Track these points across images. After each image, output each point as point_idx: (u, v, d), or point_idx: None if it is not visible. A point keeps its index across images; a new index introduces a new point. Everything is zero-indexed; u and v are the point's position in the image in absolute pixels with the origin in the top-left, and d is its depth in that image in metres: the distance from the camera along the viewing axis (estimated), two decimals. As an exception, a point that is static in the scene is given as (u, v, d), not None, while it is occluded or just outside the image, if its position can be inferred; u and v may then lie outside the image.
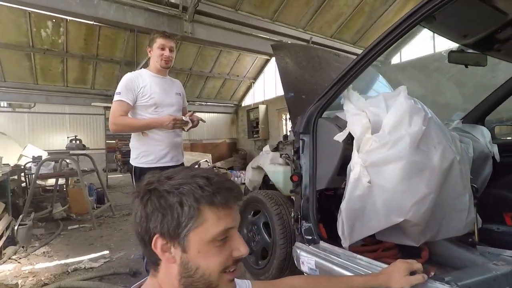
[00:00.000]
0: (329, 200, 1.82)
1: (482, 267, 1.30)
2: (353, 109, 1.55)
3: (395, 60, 8.95)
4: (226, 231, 0.60)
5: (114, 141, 10.62)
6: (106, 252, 3.10)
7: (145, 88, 2.00)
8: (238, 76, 11.80)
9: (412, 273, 1.02)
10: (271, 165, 2.08)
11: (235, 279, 0.84)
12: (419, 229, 1.46)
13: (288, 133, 2.07)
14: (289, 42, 7.03)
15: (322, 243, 1.55)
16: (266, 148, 2.28)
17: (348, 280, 1.02)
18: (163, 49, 2.01)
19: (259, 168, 2.26)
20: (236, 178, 7.91)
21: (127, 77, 2.02)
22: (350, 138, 1.53)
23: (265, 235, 2.02)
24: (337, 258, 1.39)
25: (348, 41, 8.59)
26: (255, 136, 11.68)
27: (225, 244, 0.61)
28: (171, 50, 2.03)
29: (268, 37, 7.04)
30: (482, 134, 2.15)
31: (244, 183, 2.70)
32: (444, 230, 1.56)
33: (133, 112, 2.02)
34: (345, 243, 1.50)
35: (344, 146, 1.56)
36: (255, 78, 12.24)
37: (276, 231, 1.88)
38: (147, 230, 0.60)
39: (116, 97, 1.97)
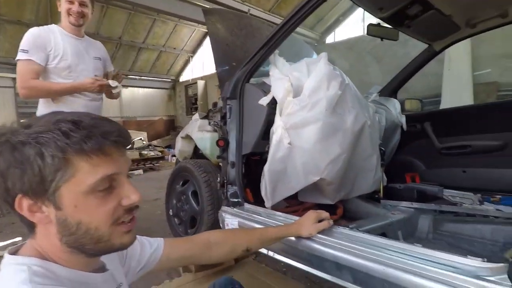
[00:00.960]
0: (256, 165, 1.85)
1: (381, 216, 1.47)
2: (278, 73, 1.57)
3: (329, 39, 9.49)
4: (107, 179, 0.52)
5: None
6: (19, 238, 2.76)
7: (57, 47, 1.73)
8: (175, 48, 11.13)
9: (321, 221, 1.10)
10: (199, 132, 2.03)
11: (140, 237, 0.79)
12: (334, 187, 1.58)
13: (218, 100, 2.03)
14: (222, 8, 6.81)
15: (247, 205, 1.58)
16: (196, 116, 2.21)
17: (263, 231, 1.05)
18: (71, 2, 1.73)
19: (188, 137, 2.19)
20: (174, 157, 7.66)
21: (35, 32, 1.71)
22: (274, 103, 1.55)
23: (194, 203, 1.99)
24: (258, 216, 1.44)
25: (285, 16, 8.65)
26: (193, 113, 11.29)
27: (111, 193, 0.54)
28: (81, 4, 1.76)
29: (204, 5, 6.71)
30: (394, 106, 2.39)
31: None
32: (356, 188, 1.72)
33: (44, 76, 1.74)
34: (268, 203, 1.55)
35: (268, 111, 1.57)
36: (194, 52, 11.72)
37: (204, 198, 1.86)
38: (7, 191, 0.50)
39: (22, 55, 1.66)
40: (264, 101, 1.55)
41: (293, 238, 1.14)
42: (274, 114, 1.54)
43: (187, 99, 11.67)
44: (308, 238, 1.09)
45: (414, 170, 2.26)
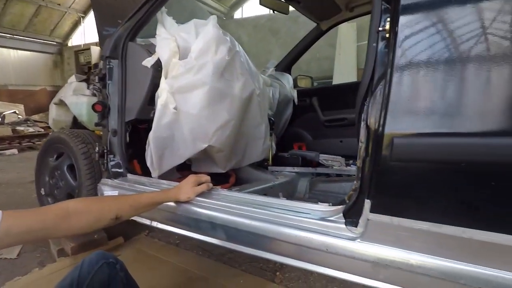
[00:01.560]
0: (145, 133, 1.71)
1: (266, 180, 1.56)
2: (164, 33, 1.45)
3: (237, 15, 9.47)
4: None
5: None
6: None
7: None
8: (59, 5, 9.35)
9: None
10: (73, 96, 1.75)
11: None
12: (224, 155, 1.59)
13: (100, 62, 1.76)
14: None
15: (130, 176, 1.46)
16: (72, 78, 1.89)
17: (136, 197, 0.97)
18: None
19: (63, 103, 1.87)
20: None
21: None
22: (160, 65, 1.43)
23: (70, 179, 1.74)
24: (141, 186, 1.34)
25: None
26: (87, 84, 9.90)
27: None
28: None
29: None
30: (288, 81, 2.53)
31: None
32: (247, 157, 1.78)
33: None
34: (154, 173, 1.46)
35: (153, 73, 1.45)
36: (85, 12, 10.08)
37: (82, 172, 1.64)
38: None
39: None
40: (149, 62, 1.42)
41: (172, 204, 1.10)
42: (160, 77, 1.43)
43: (77, 67, 10.09)
44: (187, 202, 1.06)
45: (302, 141, 2.47)
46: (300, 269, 1.54)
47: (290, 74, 2.66)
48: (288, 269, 1.54)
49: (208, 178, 1.12)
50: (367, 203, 0.68)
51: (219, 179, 1.90)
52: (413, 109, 0.61)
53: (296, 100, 2.49)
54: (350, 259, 0.72)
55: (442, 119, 0.58)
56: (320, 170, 1.69)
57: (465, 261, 0.59)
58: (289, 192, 1.55)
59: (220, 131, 1.46)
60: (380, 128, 0.64)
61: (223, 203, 1.02)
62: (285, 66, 2.66)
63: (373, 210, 0.67)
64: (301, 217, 0.82)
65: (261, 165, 1.95)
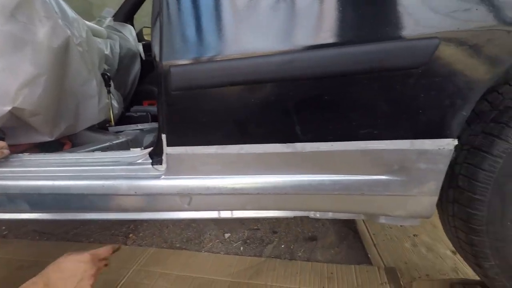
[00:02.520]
0: None
1: (102, 141, 1.42)
2: None
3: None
4: None
5: None
6: None
7: None
8: None
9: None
10: None
11: None
12: (44, 119, 1.32)
13: None
14: None
15: None
16: None
17: None
18: None
19: None
20: None
21: None
22: None
23: None
24: None
25: None
26: None
27: None
28: None
29: None
30: (130, 33, 2.26)
31: None
32: (82, 119, 1.54)
33: None
34: None
35: None
36: None
37: None
38: None
39: None
40: None
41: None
42: None
43: None
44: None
45: (155, 98, 2.34)
46: (150, 223, 1.54)
47: (132, 25, 2.39)
48: (142, 229, 1.51)
49: (4, 144, 0.92)
50: (164, 138, 0.68)
51: (51, 146, 1.62)
52: (183, 37, 0.62)
53: (143, 55, 2.28)
54: (159, 196, 0.73)
55: (208, 45, 0.61)
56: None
57: (248, 173, 0.68)
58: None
59: (27, 89, 1.18)
60: (160, 60, 0.63)
61: (28, 169, 0.86)
62: (125, 15, 2.36)
63: (169, 143, 0.68)
64: (110, 166, 0.77)
65: (102, 127, 1.75)
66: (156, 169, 0.73)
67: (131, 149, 0.82)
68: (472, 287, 0.84)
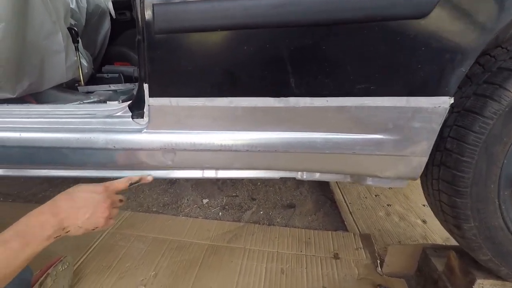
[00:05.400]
0: None
1: (73, 101, 1.31)
2: None
3: None
4: None
5: None
6: None
7: None
8: None
9: None
10: None
11: None
12: (4, 72, 1.19)
13: None
14: None
15: None
16: None
17: None
18: None
19: None
20: None
21: None
22: None
23: None
24: None
25: None
26: None
27: None
28: None
29: None
30: (98, -12, 2.05)
31: None
32: (48, 77, 1.41)
33: None
34: None
35: None
36: None
37: None
38: None
39: None
40: None
41: None
42: None
43: None
44: None
45: (128, 61, 2.19)
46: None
47: (102, -21, 2.17)
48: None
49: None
50: (146, 88, 0.62)
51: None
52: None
53: (113, 13, 2.10)
54: (140, 151, 0.68)
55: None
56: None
57: (237, 129, 0.65)
58: (104, 112, 1.36)
59: (-20, 38, 1.05)
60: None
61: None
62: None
63: (152, 94, 0.62)
64: (85, 119, 0.70)
65: (71, 87, 1.62)
66: (137, 122, 0.67)
67: (107, 102, 0.75)
68: (442, 252, 0.89)
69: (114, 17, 2.10)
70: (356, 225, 1.23)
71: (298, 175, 0.74)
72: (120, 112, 0.68)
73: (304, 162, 0.68)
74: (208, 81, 0.60)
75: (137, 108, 0.67)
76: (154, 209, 1.33)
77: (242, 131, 0.64)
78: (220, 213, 1.31)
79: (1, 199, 1.39)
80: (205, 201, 1.39)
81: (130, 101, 0.70)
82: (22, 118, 0.75)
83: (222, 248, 1.08)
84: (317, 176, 0.72)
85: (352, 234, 1.16)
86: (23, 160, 0.72)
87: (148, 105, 0.63)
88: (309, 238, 1.14)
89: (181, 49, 0.57)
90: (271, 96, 0.60)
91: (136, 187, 1.47)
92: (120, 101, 0.73)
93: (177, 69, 0.59)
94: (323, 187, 1.53)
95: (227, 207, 1.35)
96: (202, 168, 0.72)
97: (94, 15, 2.01)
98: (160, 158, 0.68)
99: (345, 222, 1.26)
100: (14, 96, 1.33)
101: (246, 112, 0.61)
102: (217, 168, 0.71)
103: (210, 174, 0.76)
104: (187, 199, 1.39)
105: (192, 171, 0.76)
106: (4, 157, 0.73)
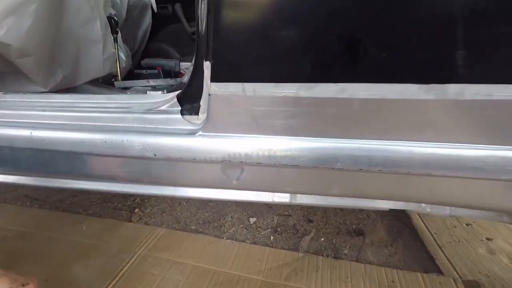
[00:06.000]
0: None
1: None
2: None
3: None
4: None
5: None
6: None
7: None
8: None
9: None
10: None
11: None
12: (36, 62, 1.05)
13: None
14: None
15: None
16: None
17: None
18: None
19: None
20: None
21: None
22: None
23: None
24: None
25: None
26: None
27: None
28: None
29: None
30: (142, -20, 1.94)
31: None
32: (83, 71, 1.27)
33: None
34: None
35: None
36: None
37: None
38: None
39: None
40: None
41: None
42: None
43: None
44: None
45: (168, 58, 2.05)
46: (165, 199, 1.30)
47: (146, -28, 2.07)
48: (150, 203, 1.27)
49: None
50: (207, 68, 0.40)
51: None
52: None
53: (155, 7, 1.98)
54: (191, 164, 0.46)
55: None
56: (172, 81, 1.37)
57: (350, 135, 0.40)
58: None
59: (12, 18, 0.90)
60: None
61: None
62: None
63: (215, 77, 0.40)
64: (117, 113, 0.50)
65: (107, 83, 1.48)
66: (189, 121, 0.45)
67: (148, 92, 0.54)
68: None
69: (155, 11, 1.98)
70: (452, 266, 0.94)
71: (421, 207, 0.48)
72: (164, 106, 0.47)
73: (454, 192, 0.42)
74: (308, 57, 0.37)
75: (190, 99, 0.45)
76: (193, 227, 1.12)
77: (355, 139, 0.39)
78: (272, 237, 1.07)
79: (28, 204, 1.26)
80: (252, 220, 1.16)
81: (179, 91, 0.49)
82: (36, 111, 0.57)
83: (279, 287, 0.84)
84: (461, 212, 0.46)
85: (452, 279, 0.87)
86: (35, 167, 0.53)
87: (209, 94, 0.41)
88: (393, 282, 0.87)
89: (267, 4, 0.35)
90: (413, 82, 0.35)
91: (172, 198, 1.28)
92: (165, 91, 0.53)
93: (259, 37, 0.36)
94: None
95: (279, 229, 1.11)
96: (279, 191, 0.49)
97: (135, 8, 1.89)
98: (219, 174, 0.46)
99: (436, 261, 0.97)
100: (47, 90, 1.19)
101: (366, 107, 0.37)
102: (302, 192, 0.48)
103: (283, 198, 0.52)
104: (231, 217, 1.17)
105: (256, 193, 0.53)
106: (11, 162, 0.54)
